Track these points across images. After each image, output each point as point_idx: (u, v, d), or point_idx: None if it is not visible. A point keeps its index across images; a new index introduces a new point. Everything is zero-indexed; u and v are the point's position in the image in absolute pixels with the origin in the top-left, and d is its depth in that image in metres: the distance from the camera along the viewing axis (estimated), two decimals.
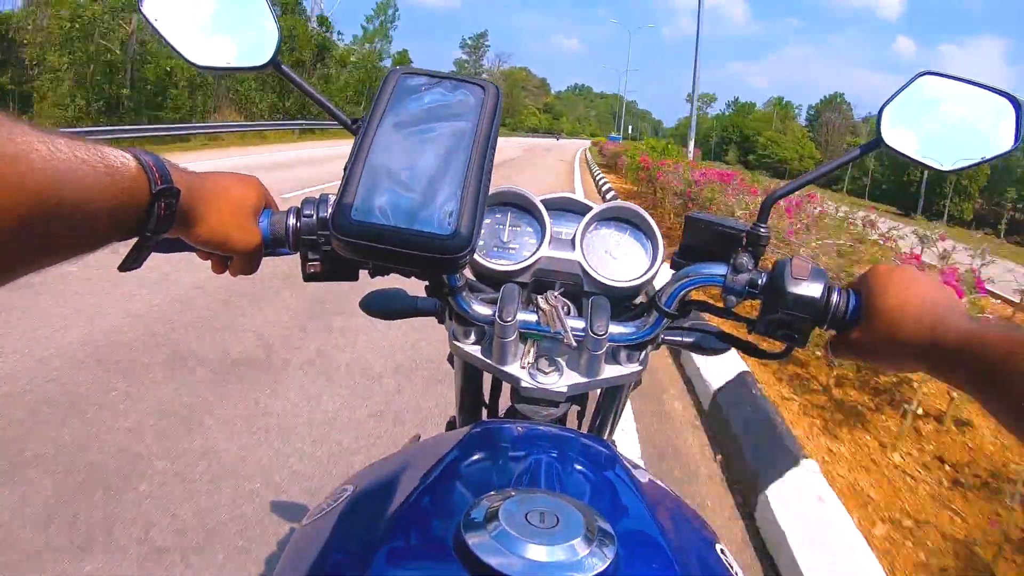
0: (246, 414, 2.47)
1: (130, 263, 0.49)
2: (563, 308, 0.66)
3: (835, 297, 0.59)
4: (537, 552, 0.39)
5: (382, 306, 0.78)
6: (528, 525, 0.41)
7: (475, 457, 0.57)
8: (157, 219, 0.45)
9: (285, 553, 0.55)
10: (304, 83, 0.66)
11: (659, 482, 0.62)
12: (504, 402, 0.80)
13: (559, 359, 0.69)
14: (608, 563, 0.40)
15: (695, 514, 0.60)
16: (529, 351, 0.68)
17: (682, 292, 0.66)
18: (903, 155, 0.68)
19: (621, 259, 0.75)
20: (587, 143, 62.46)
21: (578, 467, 0.57)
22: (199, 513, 1.87)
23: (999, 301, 3.85)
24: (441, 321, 0.76)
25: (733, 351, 0.74)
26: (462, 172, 0.52)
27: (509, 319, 0.64)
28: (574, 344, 0.65)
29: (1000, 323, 0.47)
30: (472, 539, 0.40)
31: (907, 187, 55.28)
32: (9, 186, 0.32)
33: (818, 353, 3.25)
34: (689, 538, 0.54)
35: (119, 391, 2.56)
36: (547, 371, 0.68)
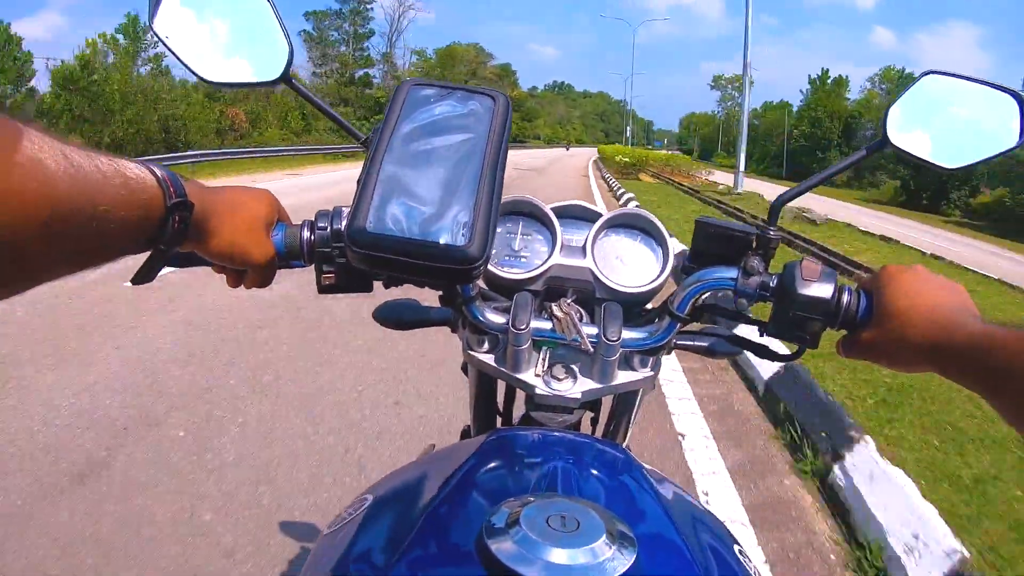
0: None
1: (143, 276, 0.49)
2: (576, 315, 0.66)
3: (846, 297, 0.60)
4: (559, 556, 0.40)
5: (395, 317, 0.79)
6: (549, 529, 0.42)
7: (492, 465, 0.57)
8: (171, 232, 0.45)
9: (309, 560, 0.55)
10: (316, 98, 0.66)
11: (676, 486, 0.62)
12: (518, 410, 0.80)
13: (573, 366, 0.69)
14: (629, 565, 0.41)
15: (713, 517, 0.60)
16: (543, 359, 0.68)
17: (694, 297, 0.66)
18: (909, 155, 0.69)
19: (632, 265, 0.75)
20: (590, 153, 48.72)
21: (595, 472, 0.58)
22: None
23: None
24: (454, 331, 0.77)
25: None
26: (474, 182, 0.52)
27: (523, 327, 0.65)
28: (591, 350, 0.65)
29: (1011, 324, 0.47)
30: (495, 544, 0.41)
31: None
32: (27, 195, 0.32)
33: None
34: (708, 540, 0.54)
35: None
36: (561, 378, 0.68)
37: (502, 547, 0.41)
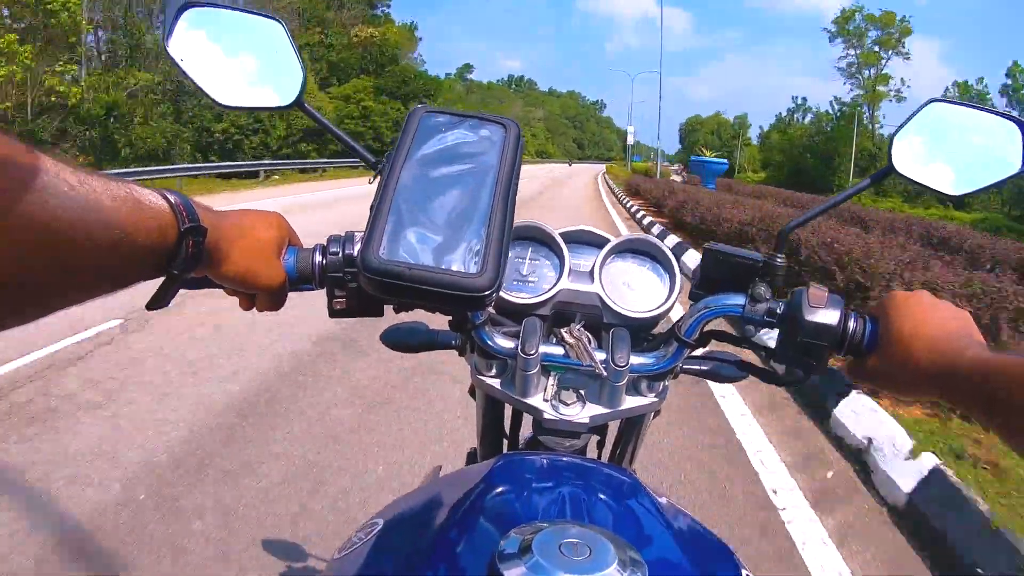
0: None
1: (158, 301, 0.49)
2: (587, 340, 0.67)
3: (852, 324, 0.60)
4: None
5: (403, 340, 0.79)
6: (561, 556, 0.42)
7: (502, 490, 0.57)
8: (184, 257, 0.46)
9: None
10: (328, 122, 0.67)
11: (683, 510, 0.62)
12: (524, 434, 0.80)
13: (581, 391, 0.69)
14: None
15: (719, 542, 0.60)
16: (551, 384, 0.69)
17: (702, 322, 0.67)
18: (914, 182, 0.69)
19: (639, 290, 0.76)
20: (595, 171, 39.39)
21: (603, 497, 0.58)
22: None
23: None
24: (462, 354, 0.77)
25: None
26: (487, 211, 0.53)
27: (532, 352, 0.65)
28: (605, 374, 0.66)
29: (1015, 351, 0.47)
30: (507, 571, 0.41)
31: None
32: (36, 219, 0.32)
33: None
34: (716, 565, 0.54)
35: None
36: (569, 403, 0.68)
37: (515, 574, 0.41)
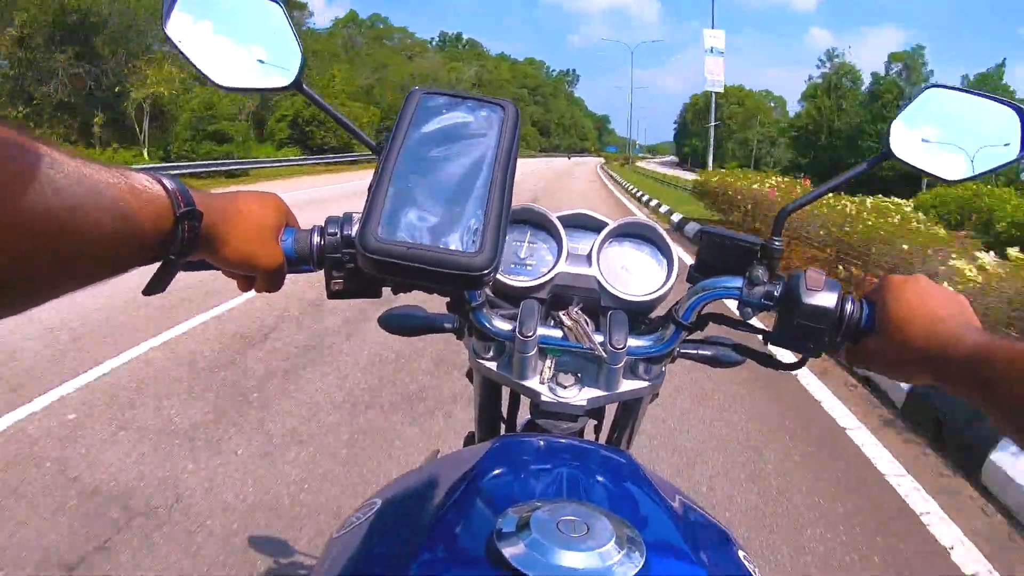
0: None
1: (155, 286, 0.49)
2: (585, 322, 0.67)
3: (849, 307, 0.61)
4: (571, 559, 0.41)
5: (401, 323, 0.79)
6: (559, 533, 0.42)
7: (500, 470, 0.57)
8: (181, 242, 0.45)
9: (317, 563, 0.55)
10: (327, 105, 0.67)
11: (680, 491, 0.63)
12: (522, 417, 0.81)
13: (578, 374, 0.69)
14: (639, 569, 0.41)
15: (716, 522, 0.61)
16: (548, 366, 0.69)
17: (699, 305, 0.67)
18: (911, 166, 0.70)
19: (637, 274, 0.76)
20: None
21: (600, 478, 0.58)
22: None
23: None
24: (460, 337, 0.77)
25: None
26: (485, 191, 0.53)
27: (529, 334, 0.65)
28: (605, 356, 0.66)
29: (1011, 336, 0.47)
30: (506, 549, 0.41)
31: None
32: (33, 207, 0.32)
33: None
34: (713, 545, 0.55)
35: None
36: (566, 385, 0.68)
37: (513, 551, 0.41)
